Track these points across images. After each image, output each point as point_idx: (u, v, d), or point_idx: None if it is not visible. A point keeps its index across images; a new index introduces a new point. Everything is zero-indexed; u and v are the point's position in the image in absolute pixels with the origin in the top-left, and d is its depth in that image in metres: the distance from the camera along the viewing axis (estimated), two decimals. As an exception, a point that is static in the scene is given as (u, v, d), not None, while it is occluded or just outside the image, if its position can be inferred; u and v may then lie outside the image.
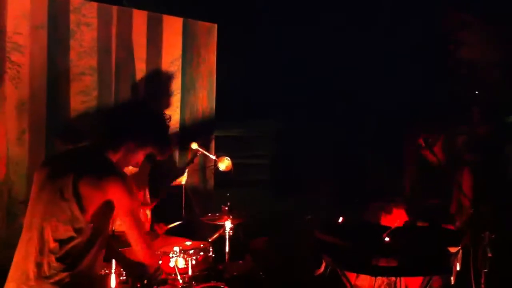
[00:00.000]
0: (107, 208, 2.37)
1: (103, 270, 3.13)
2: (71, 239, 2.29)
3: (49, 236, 2.30)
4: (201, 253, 3.60)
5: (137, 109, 2.73)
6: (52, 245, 2.29)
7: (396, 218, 3.96)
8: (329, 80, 12.11)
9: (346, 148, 10.39)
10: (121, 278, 3.17)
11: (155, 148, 2.63)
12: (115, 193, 2.35)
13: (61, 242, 2.29)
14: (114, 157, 2.50)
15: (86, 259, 2.34)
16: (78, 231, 2.30)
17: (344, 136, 10.73)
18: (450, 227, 3.94)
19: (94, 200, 2.33)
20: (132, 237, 2.47)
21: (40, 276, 2.26)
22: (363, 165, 8.77)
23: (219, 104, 5.39)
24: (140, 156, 2.61)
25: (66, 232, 2.30)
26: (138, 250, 2.52)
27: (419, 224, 3.89)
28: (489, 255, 3.04)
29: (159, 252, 3.52)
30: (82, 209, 2.31)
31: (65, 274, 2.27)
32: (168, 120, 2.72)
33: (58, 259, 2.27)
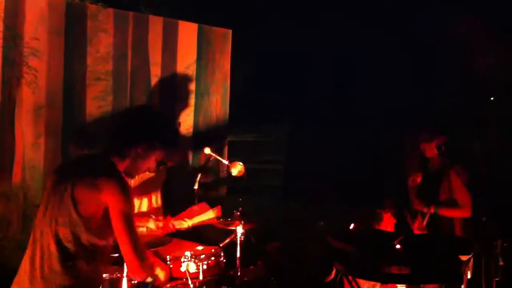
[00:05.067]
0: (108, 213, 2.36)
1: (114, 274, 3.14)
2: (70, 242, 2.32)
3: (50, 239, 2.31)
4: (213, 258, 3.59)
5: (141, 114, 2.70)
6: (53, 248, 2.31)
7: (387, 224, 3.93)
8: (342, 84, 12.16)
9: (359, 153, 10.38)
10: (133, 282, 3.17)
11: (163, 152, 2.60)
12: (108, 195, 2.31)
13: (61, 246, 2.31)
14: (122, 164, 2.48)
15: (88, 263, 2.34)
16: (77, 235, 2.32)
17: (357, 141, 10.73)
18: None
19: (90, 203, 2.32)
20: (123, 244, 2.34)
21: (43, 278, 2.28)
22: (377, 170, 8.74)
23: (234, 110, 5.42)
24: (151, 162, 2.59)
25: (65, 235, 2.31)
26: (126, 261, 2.38)
27: None
28: (501, 263, 3.03)
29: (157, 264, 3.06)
30: (79, 213, 2.30)
31: (67, 277, 2.29)
32: (177, 124, 2.68)
33: (59, 262, 2.29)
